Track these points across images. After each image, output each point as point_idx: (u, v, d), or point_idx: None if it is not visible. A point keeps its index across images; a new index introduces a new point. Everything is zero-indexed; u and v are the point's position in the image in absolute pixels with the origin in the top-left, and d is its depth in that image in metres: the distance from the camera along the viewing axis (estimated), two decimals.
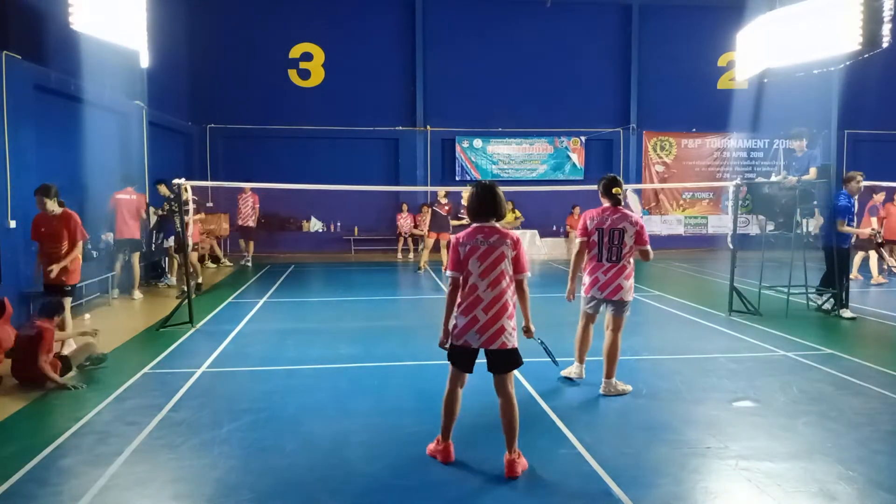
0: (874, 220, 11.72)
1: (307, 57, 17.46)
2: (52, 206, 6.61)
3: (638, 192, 18.09)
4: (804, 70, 11.15)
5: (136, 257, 10.24)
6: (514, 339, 3.84)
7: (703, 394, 5.36)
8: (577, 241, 5.45)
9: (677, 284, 11.98)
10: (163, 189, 11.07)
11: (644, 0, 18.00)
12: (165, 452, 4.15)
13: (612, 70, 18.34)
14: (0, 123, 7.78)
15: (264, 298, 10.18)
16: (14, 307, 6.59)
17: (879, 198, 11.77)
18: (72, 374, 5.76)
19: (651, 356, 6.64)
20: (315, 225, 17.69)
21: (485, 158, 18.00)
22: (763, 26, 11.56)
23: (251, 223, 14.80)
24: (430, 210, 13.70)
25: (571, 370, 5.76)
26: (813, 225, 9.43)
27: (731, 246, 8.69)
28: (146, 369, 6.07)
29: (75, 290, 7.20)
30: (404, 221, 16.75)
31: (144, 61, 10.12)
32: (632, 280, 5.34)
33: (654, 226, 18.32)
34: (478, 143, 17.96)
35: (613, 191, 5.31)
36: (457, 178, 17.61)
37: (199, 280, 10.84)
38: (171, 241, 11.22)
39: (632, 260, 5.35)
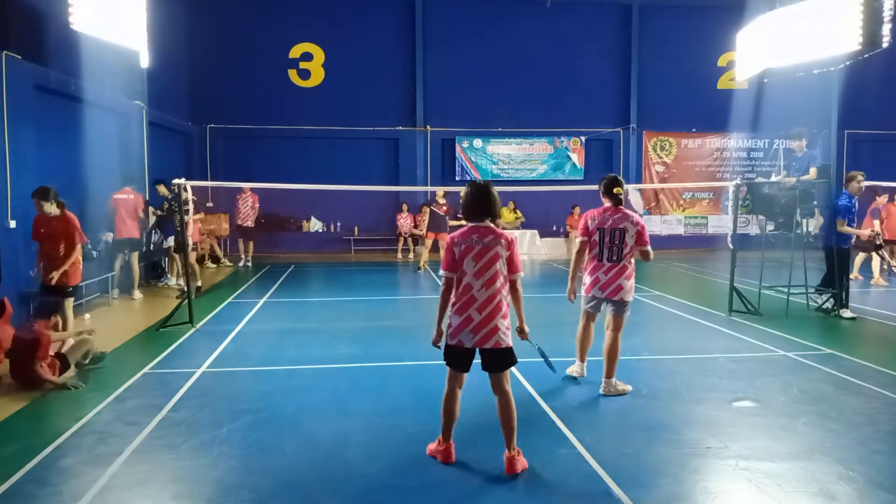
0: (876, 222, 11.69)
1: (307, 57, 17.46)
2: (50, 208, 6.62)
3: (638, 191, 18.12)
4: (804, 70, 11.15)
5: (135, 257, 10.25)
6: (508, 339, 3.87)
7: (703, 394, 5.36)
8: (578, 240, 5.46)
9: (677, 284, 11.99)
10: (162, 189, 11.08)
11: (644, 0, 18.00)
12: (165, 452, 4.15)
13: (612, 70, 18.34)
14: (0, 123, 7.79)
15: (264, 298, 10.17)
16: (14, 307, 6.58)
17: (882, 200, 11.73)
18: (70, 372, 5.76)
19: (651, 356, 6.64)
20: (315, 225, 17.69)
21: (485, 158, 18.00)
22: (763, 26, 11.56)
23: (250, 223, 14.78)
24: (428, 210, 13.70)
25: (573, 369, 5.78)
26: (813, 225, 9.43)
27: (731, 246, 8.69)
28: (146, 369, 6.07)
29: (77, 290, 7.20)
30: (404, 221, 16.75)
31: (144, 61, 10.12)
32: (632, 280, 5.34)
33: (654, 226, 18.32)
34: (478, 143, 17.96)
35: (614, 191, 5.31)
36: (457, 178, 17.61)
37: (199, 283, 10.69)
38: (170, 241, 11.21)
39: (633, 260, 5.35)
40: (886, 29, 9.35)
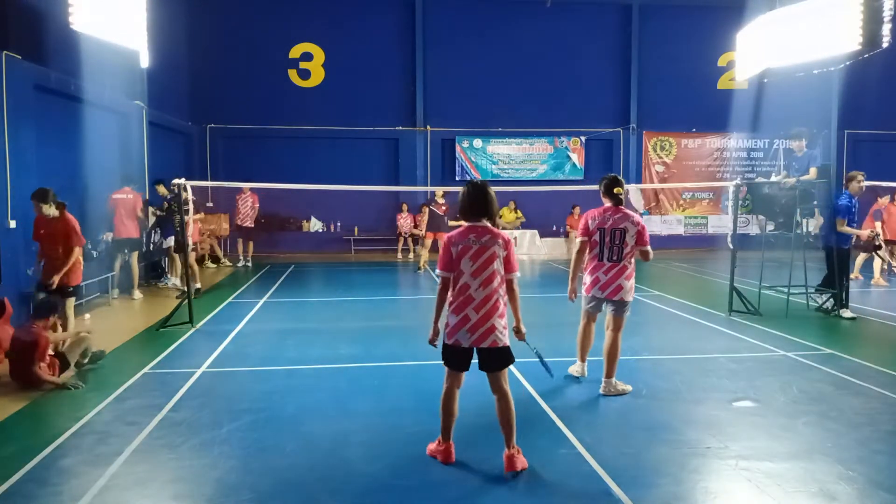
0: (878, 224, 11.68)
1: (307, 57, 17.46)
2: (49, 210, 6.63)
3: (638, 191, 18.11)
4: (804, 70, 11.15)
5: (134, 257, 10.24)
6: (505, 338, 3.88)
7: (703, 394, 5.36)
8: (578, 240, 5.46)
9: (677, 284, 11.98)
10: (161, 189, 11.07)
11: (644, 0, 18.00)
12: (165, 452, 4.15)
13: (612, 70, 18.34)
14: (0, 123, 7.79)
15: (264, 298, 10.17)
16: (14, 307, 6.59)
17: (884, 201, 11.70)
18: (70, 372, 5.76)
19: (651, 356, 6.64)
20: (315, 225, 17.69)
21: (485, 158, 18.00)
22: (763, 26, 11.56)
23: (249, 223, 14.74)
24: (427, 210, 13.70)
25: (574, 368, 5.78)
26: (813, 225, 9.42)
27: (731, 246, 8.69)
28: (146, 369, 6.07)
29: (78, 290, 7.21)
30: (404, 221, 16.75)
31: (144, 61, 10.12)
32: (633, 280, 5.35)
33: (654, 226, 18.32)
34: (478, 143, 17.96)
35: (615, 191, 5.32)
36: (457, 178, 17.61)
37: (198, 285, 10.50)
38: (170, 241, 11.21)
39: (633, 260, 5.35)
40: (886, 29, 9.35)
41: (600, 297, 5.35)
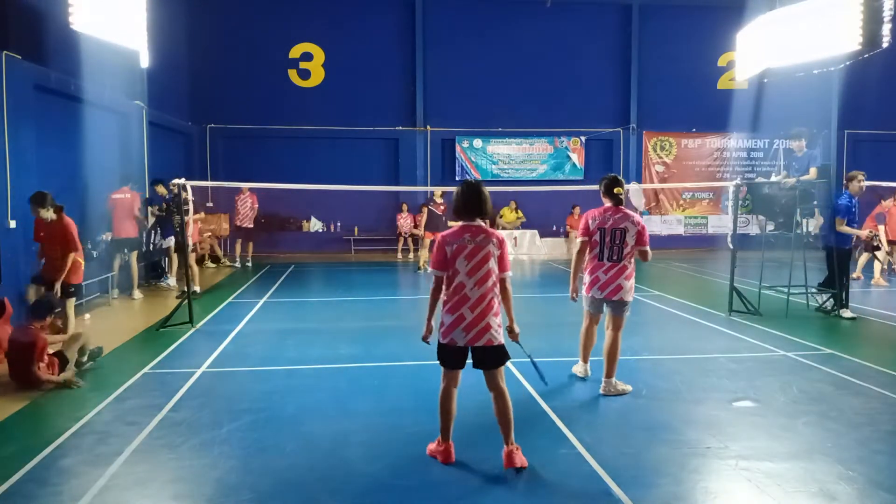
0: (882, 227, 11.65)
1: (307, 57, 17.46)
2: (46, 214, 6.66)
3: (639, 190, 18.08)
4: (804, 70, 11.15)
5: (134, 257, 10.23)
6: (500, 336, 3.90)
7: (703, 394, 5.36)
8: (578, 240, 5.46)
9: (677, 284, 11.98)
10: (161, 189, 11.07)
11: (644, 0, 18.00)
12: (165, 452, 4.15)
13: (612, 70, 18.34)
14: (0, 123, 7.79)
15: (264, 298, 10.17)
16: (14, 307, 6.60)
17: (887, 203, 11.67)
18: (70, 371, 5.75)
19: (651, 356, 6.64)
20: (315, 225, 17.69)
21: (485, 158, 18.00)
22: (763, 26, 11.56)
23: (249, 224, 14.69)
24: (426, 210, 13.71)
25: (577, 368, 5.79)
26: (813, 225, 9.42)
27: (731, 246, 8.69)
28: (146, 369, 6.07)
29: (78, 289, 7.21)
30: (404, 221, 16.74)
31: (144, 61, 10.12)
32: (632, 280, 5.35)
33: (654, 226, 18.32)
34: (478, 143, 17.96)
35: (615, 191, 5.32)
36: (457, 178, 17.58)
37: (196, 288, 10.22)
38: (169, 241, 11.20)
39: (633, 260, 5.36)
40: (886, 29, 9.35)
41: (600, 297, 5.36)
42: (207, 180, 15.73)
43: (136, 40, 9.66)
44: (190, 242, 9.04)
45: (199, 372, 5.98)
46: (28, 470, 3.87)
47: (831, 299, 8.68)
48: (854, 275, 11.56)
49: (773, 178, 9.91)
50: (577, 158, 18.23)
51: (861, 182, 8.56)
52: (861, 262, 11.89)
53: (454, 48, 17.68)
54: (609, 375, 5.32)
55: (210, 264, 14.49)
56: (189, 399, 5.20)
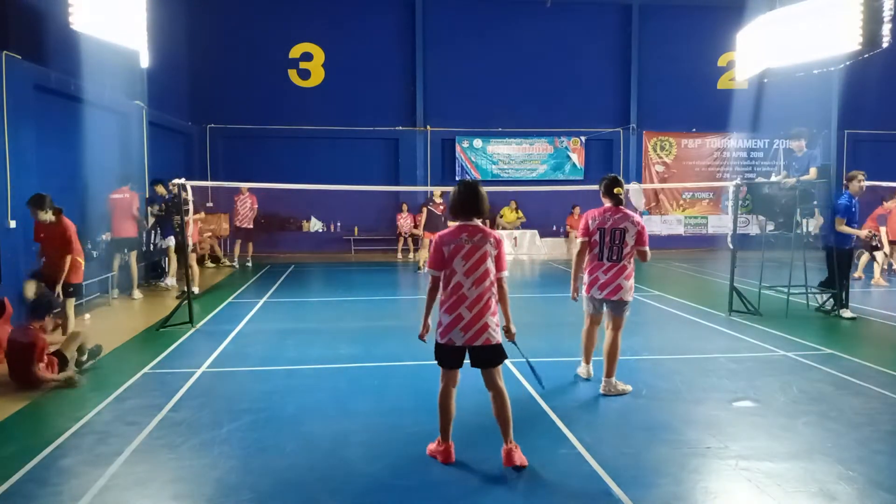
0: (883, 229, 11.63)
1: (307, 57, 17.46)
2: (45, 216, 6.67)
3: (639, 189, 18.08)
4: (804, 70, 11.15)
5: (133, 257, 10.23)
6: (497, 335, 3.91)
7: (703, 394, 5.36)
8: (578, 241, 5.46)
9: (677, 284, 11.98)
10: (160, 189, 11.07)
11: (644, 0, 18.00)
12: (165, 452, 4.15)
13: (612, 70, 18.35)
14: (0, 123, 7.79)
15: (264, 298, 10.17)
16: (14, 307, 6.61)
17: (890, 205, 11.64)
18: (70, 370, 5.76)
19: (651, 356, 6.64)
20: (315, 225, 17.69)
21: (485, 158, 18.00)
22: (763, 26, 11.56)
23: (248, 224, 14.64)
24: (425, 210, 13.71)
25: (581, 370, 5.79)
26: (813, 225, 9.41)
27: (731, 246, 8.69)
28: (146, 369, 6.07)
29: (78, 289, 7.22)
30: (404, 221, 16.74)
31: (144, 61, 10.13)
32: (632, 280, 5.35)
33: (654, 226, 18.32)
34: (478, 143, 17.96)
35: (615, 191, 5.32)
36: (456, 178, 17.56)
37: (196, 289, 10.10)
38: (168, 241, 11.19)
39: (633, 260, 5.36)
40: (886, 29, 9.35)
41: (599, 297, 5.36)
42: (207, 180, 15.73)
43: (136, 40, 9.66)
44: (190, 242, 9.04)
45: (199, 372, 5.98)
46: (28, 470, 3.87)
47: (831, 299, 8.68)
48: (856, 274, 11.56)
49: (773, 178, 9.91)
50: (577, 158, 18.23)
51: (861, 182, 8.56)
52: (863, 262, 11.89)
53: (454, 48, 17.68)
54: (609, 375, 5.32)
55: (210, 264, 14.49)
56: (189, 399, 5.20)
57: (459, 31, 17.72)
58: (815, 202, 8.99)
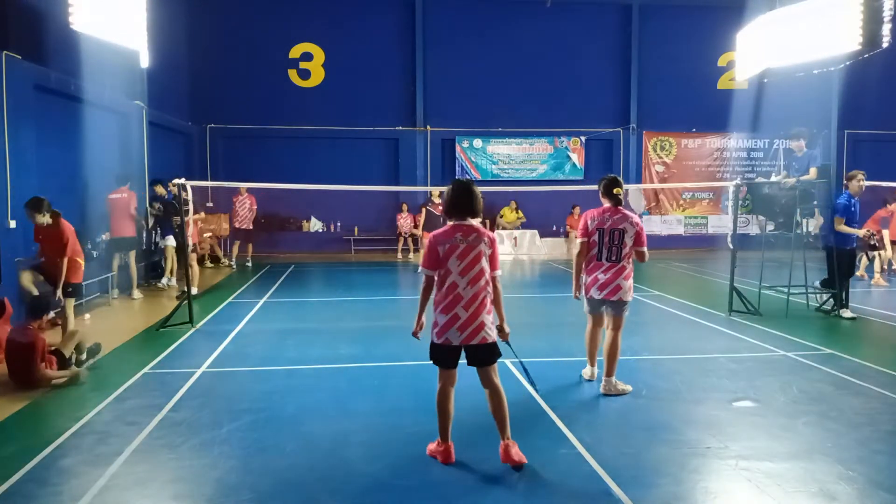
0: (886, 231, 11.62)
1: (307, 57, 17.46)
2: (42, 219, 6.68)
3: (639, 192, 18.09)
4: (804, 70, 11.15)
5: (132, 256, 10.22)
6: (493, 334, 3.93)
7: (703, 394, 5.35)
8: (578, 241, 5.46)
9: (677, 284, 11.98)
10: (159, 189, 11.06)
11: (644, 0, 18.00)
12: (165, 452, 4.15)
13: (612, 70, 18.35)
14: (0, 123, 7.79)
15: (264, 298, 10.17)
16: (14, 307, 6.60)
17: (894, 207, 11.61)
18: (71, 368, 5.76)
19: (651, 356, 6.64)
20: (315, 225, 17.69)
21: (485, 158, 18.00)
22: (763, 26, 11.57)
23: (248, 225, 14.59)
24: (425, 210, 13.72)
25: (586, 371, 5.76)
26: (813, 225, 9.41)
27: (731, 246, 8.69)
28: (146, 369, 6.07)
29: (78, 289, 7.21)
30: (404, 221, 16.74)
31: (144, 61, 10.13)
32: (631, 280, 5.35)
33: (654, 226, 18.28)
34: (478, 143, 17.96)
35: (614, 191, 5.32)
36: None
37: (195, 290, 9.91)
38: (168, 241, 11.18)
39: (632, 260, 5.36)
40: (886, 29, 9.36)
41: (599, 297, 5.36)
42: (207, 180, 15.73)
43: (136, 40, 9.66)
44: (190, 242, 9.04)
45: (199, 372, 5.98)
46: (28, 470, 3.87)
47: (831, 299, 8.68)
48: (858, 273, 11.55)
49: (773, 178, 9.91)
50: (577, 158, 18.23)
51: (861, 182, 8.56)
52: (864, 262, 11.88)
53: (454, 48, 17.69)
54: (609, 374, 5.32)
55: (210, 264, 14.48)
56: (189, 399, 5.20)
57: (459, 31, 17.72)
58: (815, 202, 8.99)
